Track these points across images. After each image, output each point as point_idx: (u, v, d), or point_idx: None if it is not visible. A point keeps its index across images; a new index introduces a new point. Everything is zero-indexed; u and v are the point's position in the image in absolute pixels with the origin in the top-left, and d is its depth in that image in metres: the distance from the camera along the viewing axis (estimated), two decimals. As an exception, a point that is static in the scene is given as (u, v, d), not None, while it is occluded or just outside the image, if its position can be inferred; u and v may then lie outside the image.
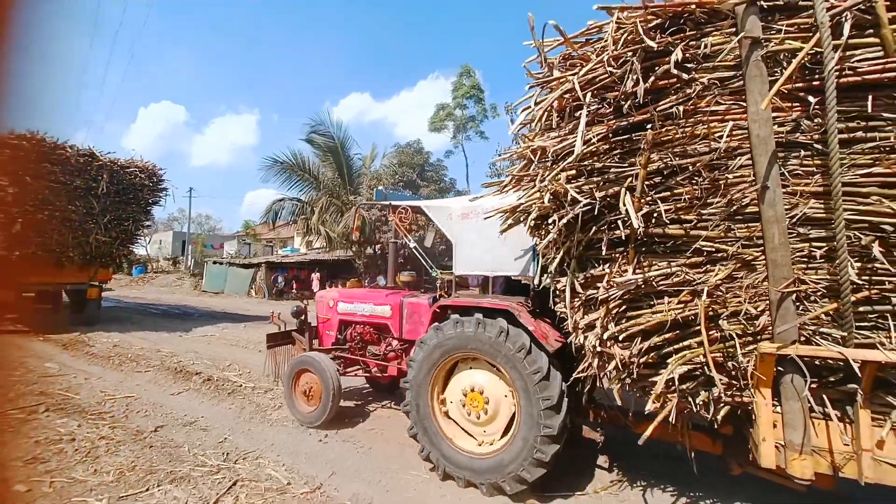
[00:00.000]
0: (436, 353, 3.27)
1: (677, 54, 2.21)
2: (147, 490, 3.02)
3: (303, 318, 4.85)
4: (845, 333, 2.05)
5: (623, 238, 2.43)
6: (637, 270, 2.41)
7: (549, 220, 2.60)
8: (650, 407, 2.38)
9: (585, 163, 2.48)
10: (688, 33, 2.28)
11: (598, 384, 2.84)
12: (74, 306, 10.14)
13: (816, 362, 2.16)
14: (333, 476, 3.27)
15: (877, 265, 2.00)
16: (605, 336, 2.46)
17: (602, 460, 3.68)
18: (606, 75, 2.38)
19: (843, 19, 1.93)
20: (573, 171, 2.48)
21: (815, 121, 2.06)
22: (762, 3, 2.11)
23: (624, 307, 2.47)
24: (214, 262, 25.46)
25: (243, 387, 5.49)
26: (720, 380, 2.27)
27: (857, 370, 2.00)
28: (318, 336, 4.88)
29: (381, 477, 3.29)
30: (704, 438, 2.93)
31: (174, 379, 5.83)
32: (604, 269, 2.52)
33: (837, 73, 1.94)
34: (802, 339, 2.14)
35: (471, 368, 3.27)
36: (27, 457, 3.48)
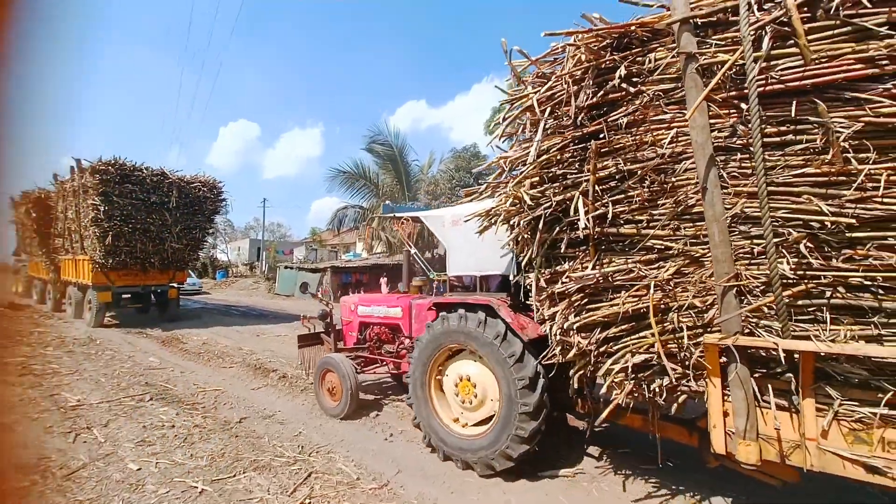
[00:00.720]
0: (429, 347, 3.67)
1: (621, 71, 2.46)
2: (234, 476, 3.30)
3: (328, 320, 5.38)
4: (781, 325, 2.16)
5: (583, 237, 2.69)
6: (595, 267, 2.66)
7: (512, 223, 2.93)
8: (603, 392, 2.60)
9: (548, 170, 2.78)
10: (634, 50, 2.52)
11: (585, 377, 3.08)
12: (158, 305, 11.90)
13: (762, 353, 2.28)
14: (399, 474, 3.39)
15: (812, 260, 2.10)
16: (565, 326, 2.72)
17: (593, 449, 3.84)
18: (564, 92, 2.68)
19: (764, 33, 2.09)
20: (536, 178, 2.79)
21: (749, 126, 2.21)
22: (696, 20, 2.30)
23: (585, 300, 2.72)
24: (286, 267, 27.45)
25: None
26: (672, 368, 2.45)
27: (795, 360, 2.12)
28: (342, 337, 5.36)
29: (445, 478, 3.35)
30: (681, 430, 3.04)
31: (254, 375, 6.31)
32: (566, 266, 2.79)
33: (760, 81, 2.09)
34: (746, 330, 2.27)
35: (462, 360, 3.63)
36: (137, 439, 3.93)
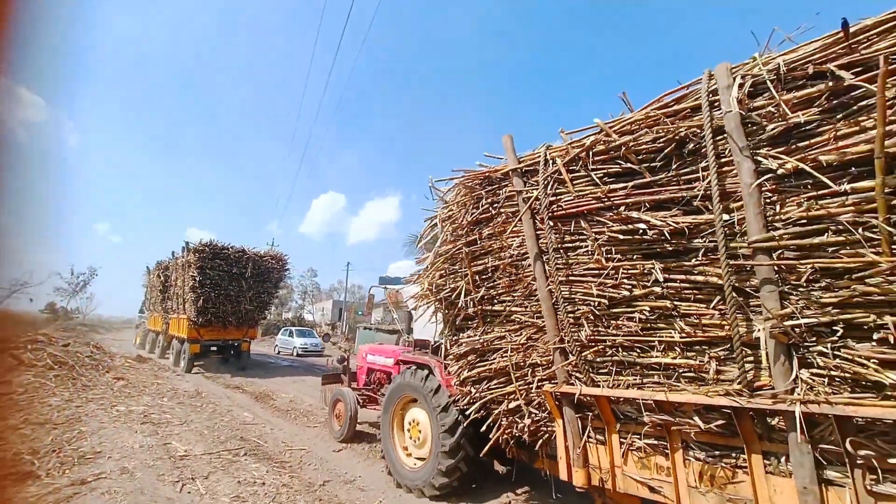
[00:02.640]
0: (393, 394, 4.82)
1: (483, 201, 3.71)
2: None
3: (345, 364, 6.79)
4: (584, 377, 3.00)
5: (473, 313, 3.77)
6: (480, 334, 3.72)
7: (427, 302, 4.15)
8: (485, 428, 3.57)
9: (447, 266, 4.00)
10: (493, 186, 3.74)
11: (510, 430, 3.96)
12: (234, 356, 14.38)
13: (586, 398, 3.07)
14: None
15: (600, 328, 2.97)
16: (461, 378, 3.77)
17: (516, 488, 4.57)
18: (455, 213, 3.95)
19: (550, 179, 3.21)
20: (441, 271, 4.02)
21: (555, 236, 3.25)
22: (521, 169, 3.48)
23: (476, 359, 3.75)
24: (365, 328, 30.03)
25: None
26: (531, 412, 3.37)
27: (596, 403, 2.92)
28: (356, 378, 6.69)
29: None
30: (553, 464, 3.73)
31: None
32: (463, 334, 3.88)
33: (557, 208, 3.19)
34: (571, 381, 3.12)
35: (417, 406, 4.67)
36: (233, 494, 4.09)
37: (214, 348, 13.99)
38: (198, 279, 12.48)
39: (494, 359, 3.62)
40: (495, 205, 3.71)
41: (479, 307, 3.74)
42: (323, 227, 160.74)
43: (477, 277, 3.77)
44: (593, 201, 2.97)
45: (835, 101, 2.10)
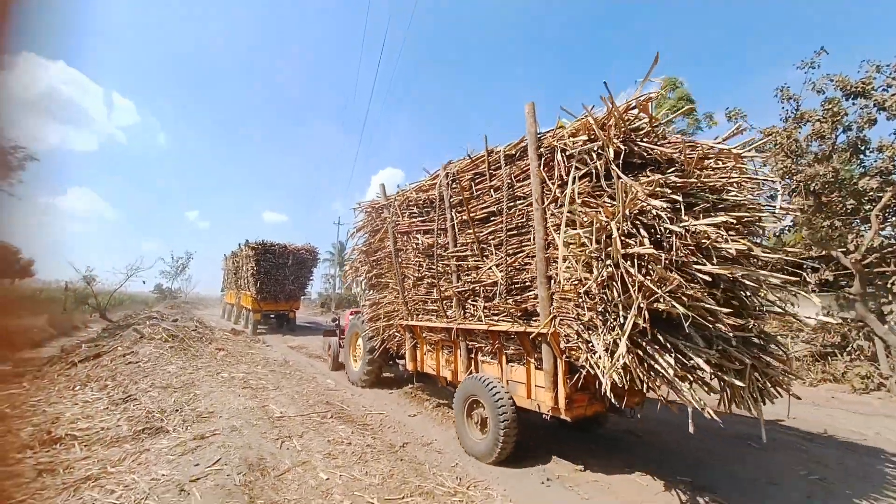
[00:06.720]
0: (349, 332, 8.39)
1: (376, 219, 7.10)
2: (403, 498, 3.46)
3: (337, 322, 10.07)
4: (410, 316, 6.23)
5: (373, 284, 7.21)
6: (376, 295, 7.13)
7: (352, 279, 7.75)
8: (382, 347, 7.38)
9: (364, 257, 7.31)
10: (377, 211, 6.95)
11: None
12: (286, 323, 18.88)
13: (412, 327, 6.11)
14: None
15: (414, 291, 6.06)
16: (369, 318, 7.25)
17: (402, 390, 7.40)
18: (368, 222, 7.30)
19: (394, 212, 6.40)
20: (360, 260, 7.45)
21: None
22: (388, 203, 6.62)
23: (375, 308, 7.05)
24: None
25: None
26: (395, 335, 6.76)
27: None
28: (343, 332, 9.70)
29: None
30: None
31: (411, 402, 6.85)
32: (374, 295, 7.24)
33: (396, 227, 6.37)
34: (407, 319, 6.22)
35: (359, 339, 8.00)
36: (324, 451, 4.34)
37: (273, 316, 18.71)
38: (255, 268, 16.91)
39: (382, 308, 6.83)
40: (379, 221, 6.80)
41: (376, 280, 6.99)
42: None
43: (374, 264, 6.98)
44: (407, 226, 5.99)
45: (477, 187, 4.88)
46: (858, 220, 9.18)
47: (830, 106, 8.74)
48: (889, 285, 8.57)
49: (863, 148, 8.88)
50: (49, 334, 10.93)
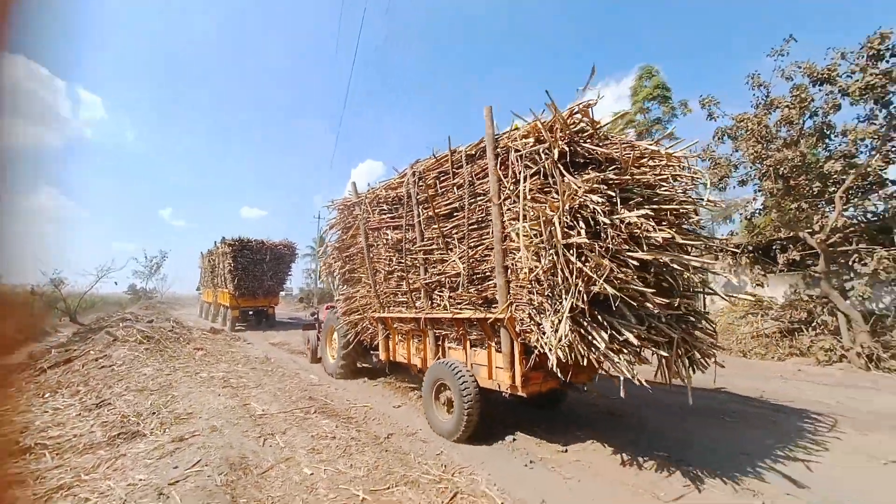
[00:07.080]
0: (328, 323, 8.36)
1: (349, 217, 7.11)
2: (388, 488, 3.47)
3: (316, 316, 10.04)
4: (382, 308, 6.38)
5: (346, 279, 7.21)
6: (354, 289, 7.10)
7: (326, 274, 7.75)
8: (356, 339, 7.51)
9: (338, 252, 7.34)
10: (350, 209, 6.96)
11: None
12: (265, 319, 18.63)
13: (384, 318, 6.33)
14: None
15: (385, 285, 6.20)
16: (343, 312, 7.35)
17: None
18: (337, 222, 7.40)
19: (366, 209, 6.42)
20: (334, 256, 7.42)
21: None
22: (359, 201, 6.71)
23: (348, 302, 7.12)
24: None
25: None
26: (368, 327, 6.88)
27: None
28: (321, 324, 9.88)
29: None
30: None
31: (395, 393, 6.80)
32: (348, 290, 7.28)
33: (367, 223, 6.42)
34: (379, 311, 6.32)
35: (335, 333, 8.06)
36: (308, 447, 4.29)
37: (251, 312, 18.45)
38: (232, 265, 16.73)
39: (355, 301, 6.93)
40: (352, 219, 6.82)
41: (350, 276, 7.04)
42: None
43: (346, 259, 7.03)
44: (378, 223, 6.13)
45: (441, 185, 5.08)
46: (823, 202, 9.54)
47: (798, 92, 8.99)
48: (850, 263, 9.00)
49: (828, 132, 9.18)
50: (16, 340, 10.43)
